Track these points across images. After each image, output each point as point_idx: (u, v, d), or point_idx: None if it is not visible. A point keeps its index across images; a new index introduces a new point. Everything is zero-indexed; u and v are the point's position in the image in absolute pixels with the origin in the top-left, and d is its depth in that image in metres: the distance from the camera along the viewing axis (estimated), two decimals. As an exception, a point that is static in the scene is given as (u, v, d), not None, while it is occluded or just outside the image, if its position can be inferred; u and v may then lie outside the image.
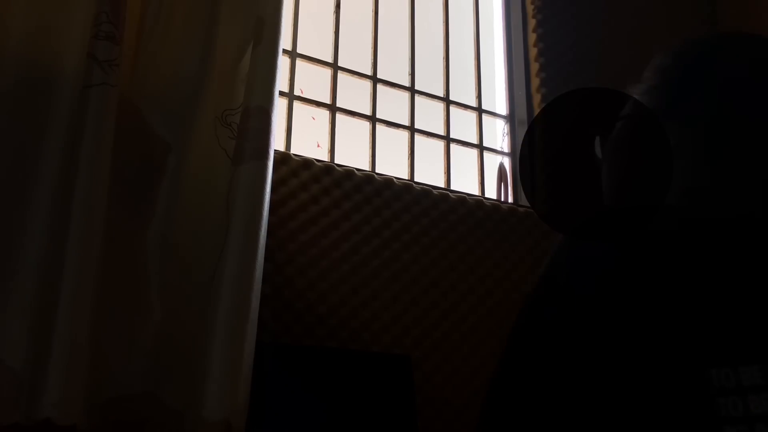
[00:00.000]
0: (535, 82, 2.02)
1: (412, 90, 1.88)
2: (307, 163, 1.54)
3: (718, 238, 0.56)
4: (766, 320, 0.51)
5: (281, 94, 1.45)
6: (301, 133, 1.66)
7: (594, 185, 0.73)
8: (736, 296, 0.53)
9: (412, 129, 1.85)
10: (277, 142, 1.35)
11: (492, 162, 2.00)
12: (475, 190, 1.92)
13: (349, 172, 1.59)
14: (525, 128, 1.98)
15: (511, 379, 0.58)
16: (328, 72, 1.75)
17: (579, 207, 0.73)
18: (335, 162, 1.63)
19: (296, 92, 1.67)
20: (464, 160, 1.95)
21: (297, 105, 1.67)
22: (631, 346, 0.52)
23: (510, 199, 1.94)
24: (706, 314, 0.52)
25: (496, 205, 1.80)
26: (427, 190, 1.70)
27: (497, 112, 2.06)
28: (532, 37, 2.06)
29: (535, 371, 0.56)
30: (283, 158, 1.50)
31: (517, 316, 0.61)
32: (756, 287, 0.53)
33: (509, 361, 0.60)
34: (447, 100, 1.95)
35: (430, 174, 1.85)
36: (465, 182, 1.92)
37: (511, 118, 2.05)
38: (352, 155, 1.72)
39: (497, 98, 2.09)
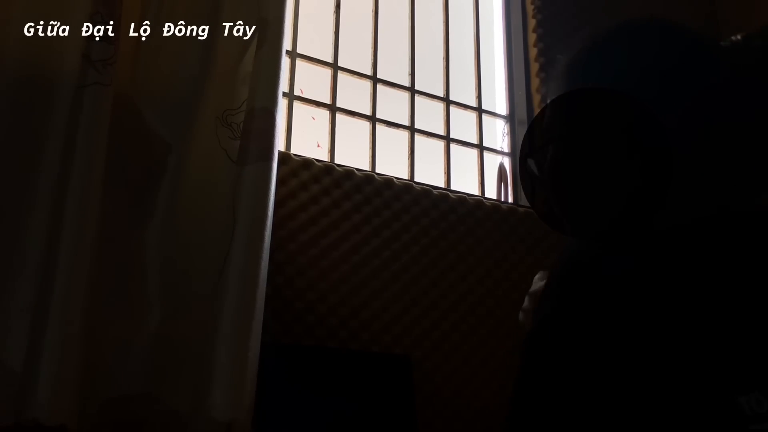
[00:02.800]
0: (535, 82, 2.02)
1: (412, 90, 1.88)
2: (307, 163, 1.54)
3: (727, 253, 0.54)
4: None
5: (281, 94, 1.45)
6: (301, 133, 1.66)
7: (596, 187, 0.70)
8: (753, 313, 0.50)
9: (412, 129, 1.85)
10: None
11: (492, 162, 2.00)
12: (475, 190, 1.92)
13: (349, 172, 1.59)
14: (525, 128, 1.98)
15: (529, 409, 0.55)
16: (328, 72, 1.75)
17: (581, 209, 0.69)
18: (335, 162, 1.63)
19: (296, 92, 1.67)
20: (464, 160, 1.95)
21: (297, 105, 1.67)
22: (653, 379, 0.50)
23: (510, 199, 1.94)
24: (724, 338, 0.50)
25: (496, 205, 1.80)
26: (427, 190, 1.70)
27: (497, 112, 2.06)
28: (532, 37, 2.06)
29: (554, 401, 0.53)
30: (283, 158, 1.50)
31: (529, 338, 0.57)
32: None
33: (525, 389, 0.56)
34: (447, 100, 1.95)
35: (430, 174, 1.85)
36: (465, 182, 1.92)
37: (511, 118, 2.05)
38: (352, 155, 1.72)
39: (497, 98, 2.09)
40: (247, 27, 1.35)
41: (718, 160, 0.63)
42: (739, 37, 0.65)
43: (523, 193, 1.93)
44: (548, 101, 0.72)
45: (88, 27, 1.14)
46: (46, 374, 0.99)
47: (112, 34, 1.15)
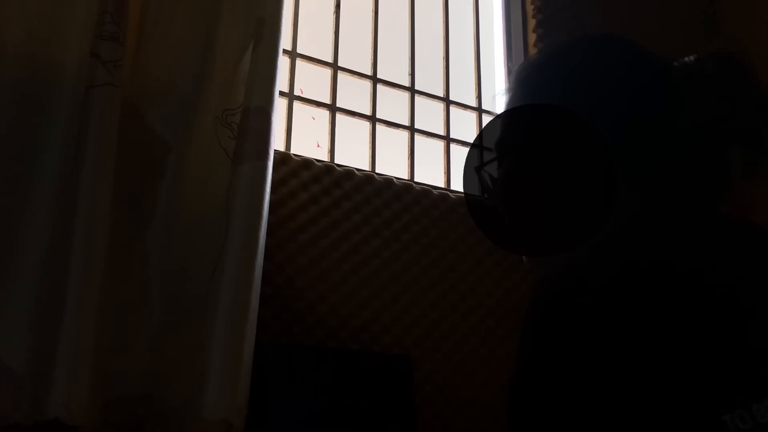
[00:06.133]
0: (535, 82, 2.01)
1: (412, 90, 1.88)
2: (307, 163, 1.54)
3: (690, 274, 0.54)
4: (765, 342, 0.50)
5: (281, 94, 1.45)
6: (301, 133, 1.66)
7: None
8: (731, 331, 0.51)
9: (412, 129, 1.85)
10: (277, 142, 1.35)
11: (492, 162, 1.99)
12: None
13: (349, 172, 1.59)
14: (525, 128, 1.98)
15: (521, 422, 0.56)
16: (328, 72, 1.75)
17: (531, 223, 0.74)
18: (335, 162, 1.63)
19: (296, 92, 1.67)
20: (464, 160, 1.95)
21: (297, 105, 1.67)
22: (640, 404, 0.50)
23: (510, 199, 1.94)
24: (705, 360, 0.50)
25: (496, 205, 1.80)
26: (427, 190, 1.70)
27: (497, 112, 2.06)
28: (532, 37, 2.06)
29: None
30: (283, 158, 1.50)
31: (514, 383, 0.58)
32: (751, 315, 0.52)
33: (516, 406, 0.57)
34: (447, 100, 1.95)
35: (430, 174, 1.85)
36: (465, 182, 1.92)
37: (511, 118, 2.05)
38: (352, 155, 1.72)
39: (497, 98, 2.09)
40: (245, 26, 1.35)
41: (658, 175, 0.66)
42: (692, 58, 0.69)
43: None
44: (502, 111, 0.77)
45: (96, 27, 1.14)
46: (65, 374, 0.99)
47: (120, 35, 1.15)
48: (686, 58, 0.69)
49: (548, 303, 0.56)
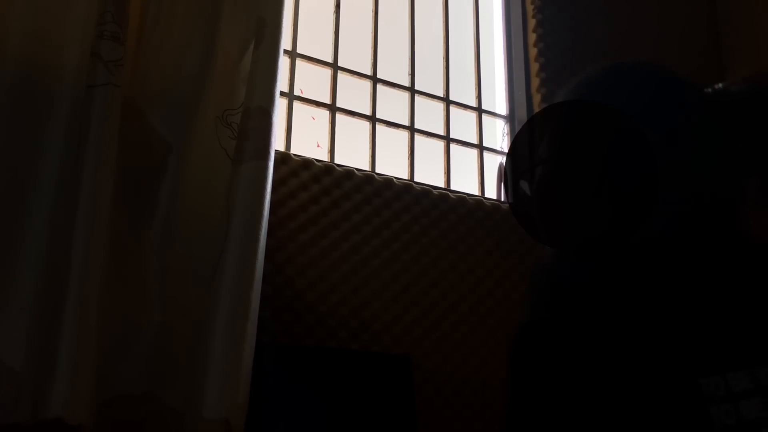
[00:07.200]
0: (535, 82, 2.02)
1: (412, 90, 1.88)
2: (307, 163, 1.54)
3: (693, 251, 0.58)
4: (748, 324, 0.53)
5: (281, 94, 1.45)
6: (301, 133, 1.66)
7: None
8: (716, 303, 0.54)
9: (412, 129, 1.85)
10: (277, 142, 1.35)
11: (492, 162, 2.00)
12: (475, 190, 1.92)
13: (349, 172, 1.59)
14: (525, 128, 1.98)
15: (520, 403, 0.59)
16: (328, 72, 1.75)
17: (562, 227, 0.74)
18: (335, 162, 1.63)
19: (296, 92, 1.67)
20: (464, 160, 1.95)
21: (297, 105, 1.67)
22: (626, 365, 0.53)
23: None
24: (690, 323, 0.53)
25: (496, 205, 1.80)
26: (427, 190, 1.70)
27: (497, 112, 2.06)
28: (532, 37, 2.06)
29: (535, 399, 0.58)
30: (283, 158, 1.50)
31: (514, 336, 0.61)
32: (734, 291, 0.54)
33: (516, 380, 0.60)
34: (447, 100, 1.95)
35: (430, 174, 1.85)
36: (465, 182, 1.92)
37: (511, 118, 2.05)
38: (352, 155, 1.72)
39: (497, 98, 2.09)
40: (246, 26, 1.35)
41: (690, 178, 0.67)
42: (721, 85, 0.72)
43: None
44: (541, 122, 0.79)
45: (97, 26, 1.14)
46: (66, 373, 0.99)
47: (121, 35, 1.15)
48: (715, 85, 0.72)
49: (550, 280, 0.60)
